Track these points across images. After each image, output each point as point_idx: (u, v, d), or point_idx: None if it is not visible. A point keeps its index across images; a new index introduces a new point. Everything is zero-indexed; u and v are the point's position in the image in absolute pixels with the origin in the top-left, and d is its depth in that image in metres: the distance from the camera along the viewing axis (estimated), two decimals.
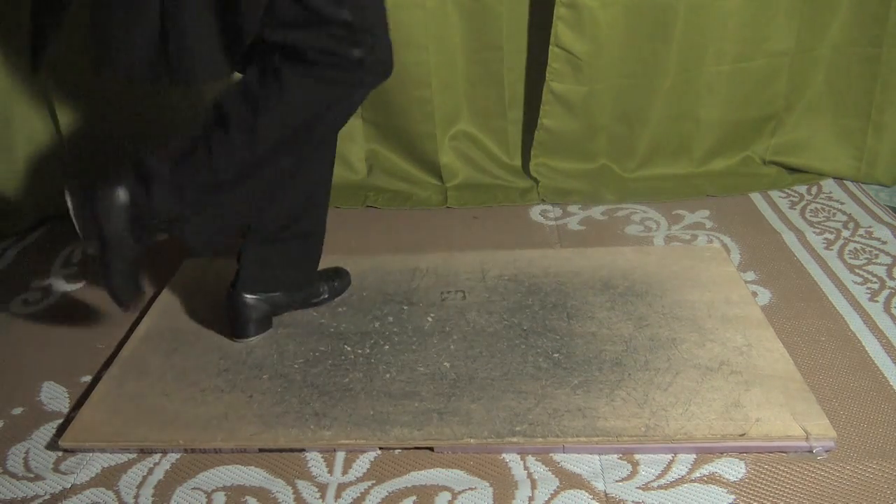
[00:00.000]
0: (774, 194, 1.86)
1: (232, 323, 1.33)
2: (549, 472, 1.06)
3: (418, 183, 1.95)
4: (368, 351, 1.29)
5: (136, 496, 1.05)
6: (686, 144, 1.93)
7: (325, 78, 1.08)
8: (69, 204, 1.12)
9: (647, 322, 1.33)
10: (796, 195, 1.86)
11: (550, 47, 1.76)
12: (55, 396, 1.26)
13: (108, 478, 1.09)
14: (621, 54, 1.80)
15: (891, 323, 1.34)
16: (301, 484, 1.06)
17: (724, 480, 1.03)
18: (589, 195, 1.88)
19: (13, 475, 1.10)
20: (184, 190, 1.14)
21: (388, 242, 1.73)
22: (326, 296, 1.43)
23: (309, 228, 1.33)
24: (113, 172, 1.13)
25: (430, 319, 1.37)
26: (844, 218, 1.73)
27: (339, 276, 1.47)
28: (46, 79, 1.79)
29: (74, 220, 1.13)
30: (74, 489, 1.07)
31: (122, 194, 1.13)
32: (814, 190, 1.88)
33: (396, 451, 1.11)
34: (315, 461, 1.10)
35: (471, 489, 1.04)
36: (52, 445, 1.15)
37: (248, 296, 1.30)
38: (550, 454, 1.09)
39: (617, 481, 1.04)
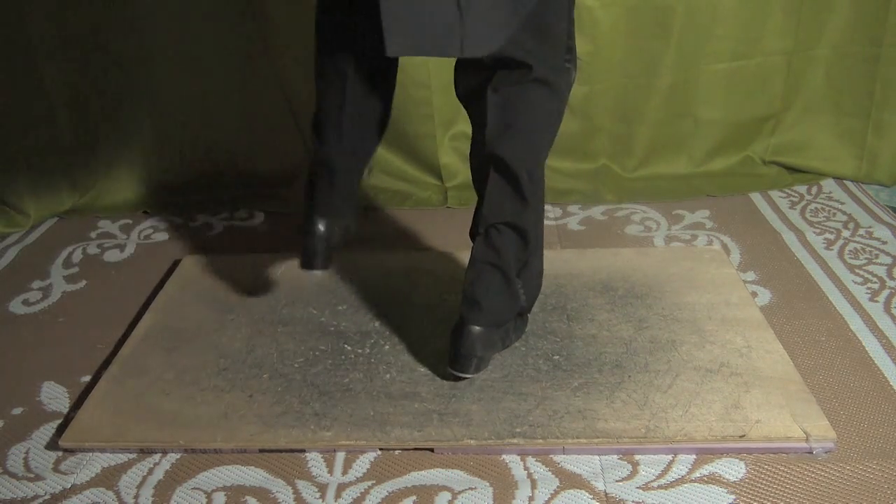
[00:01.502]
0: (774, 194, 1.87)
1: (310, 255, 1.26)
2: (549, 472, 1.06)
3: (418, 183, 1.94)
4: (368, 351, 1.29)
5: (136, 496, 1.05)
6: (686, 144, 1.93)
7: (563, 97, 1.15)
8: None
9: (647, 324, 1.33)
10: (796, 195, 1.86)
11: None
12: (55, 396, 1.26)
13: (108, 478, 1.09)
14: (621, 54, 1.80)
15: (891, 323, 1.34)
16: (301, 484, 1.06)
17: (724, 480, 1.03)
18: (589, 195, 1.88)
19: (13, 475, 1.10)
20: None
21: (388, 242, 1.73)
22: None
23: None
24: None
25: (430, 319, 1.37)
26: (844, 218, 1.73)
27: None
28: (49, 78, 1.80)
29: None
30: (74, 489, 1.07)
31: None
32: (814, 190, 1.88)
33: (396, 452, 1.11)
34: (315, 461, 1.10)
35: (471, 489, 1.04)
36: (52, 445, 1.15)
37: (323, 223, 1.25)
38: (550, 455, 1.09)
39: (617, 481, 1.04)
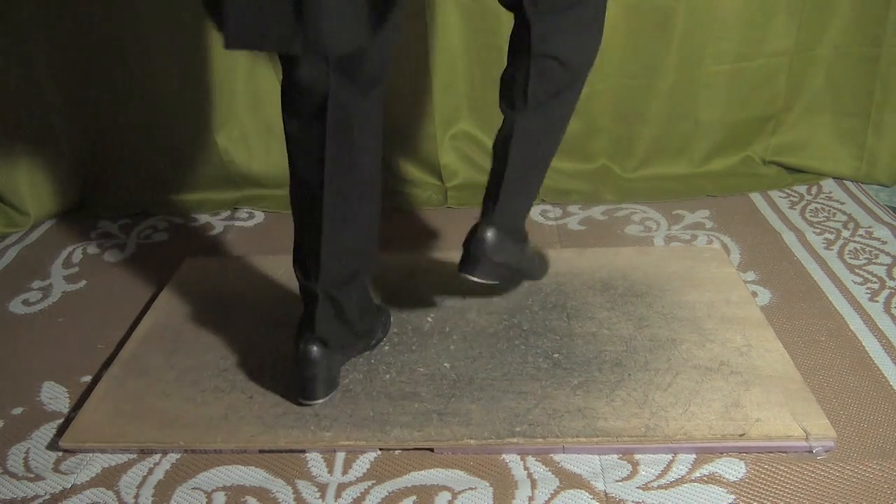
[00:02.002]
0: (774, 194, 1.87)
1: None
2: (549, 472, 1.06)
3: (418, 183, 1.94)
4: (368, 351, 1.29)
5: (136, 496, 1.05)
6: (686, 144, 1.93)
7: None
8: None
9: (647, 322, 1.33)
10: (796, 195, 1.86)
11: None
12: (55, 396, 1.26)
13: (108, 478, 1.09)
14: (621, 54, 1.79)
15: (891, 323, 1.34)
16: (301, 484, 1.06)
17: (724, 480, 1.03)
18: (589, 195, 1.88)
19: (13, 475, 1.10)
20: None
21: (388, 242, 1.73)
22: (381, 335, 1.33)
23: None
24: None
25: (429, 320, 1.37)
26: (844, 218, 1.73)
27: (382, 312, 1.36)
28: (46, 77, 1.80)
29: None
30: (74, 489, 1.07)
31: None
32: (814, 190, 1.88)
33: (396, 452, 1.11)
34: (315, 461, 1.10)
35: (471, 489, 1.04)
36: (53, 445, 1.15)
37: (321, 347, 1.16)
38: (550, 454, 1.09)
39: (617, 481, 1.04)
